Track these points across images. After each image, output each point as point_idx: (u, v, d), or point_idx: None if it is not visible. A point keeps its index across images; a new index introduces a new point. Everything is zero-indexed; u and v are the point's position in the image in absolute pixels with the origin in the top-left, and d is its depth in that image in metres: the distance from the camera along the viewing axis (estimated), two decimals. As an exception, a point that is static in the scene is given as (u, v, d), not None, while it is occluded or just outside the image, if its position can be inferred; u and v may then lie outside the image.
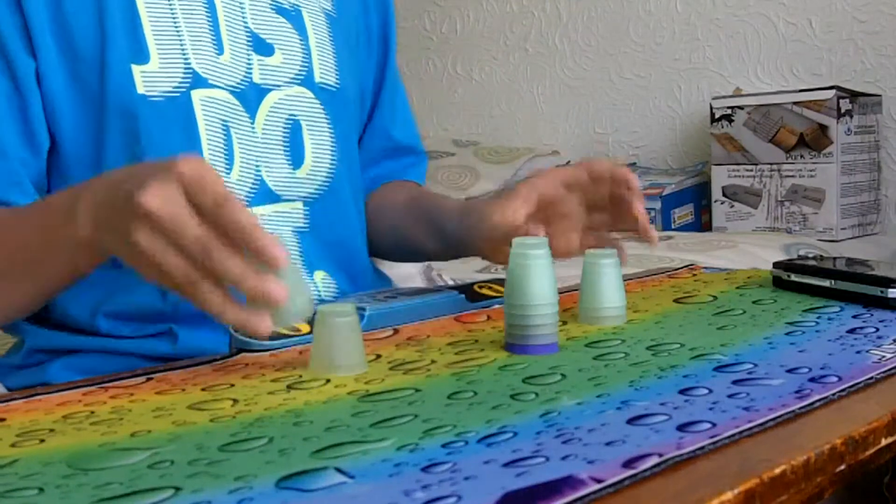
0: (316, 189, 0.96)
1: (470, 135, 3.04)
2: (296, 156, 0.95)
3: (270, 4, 0.96)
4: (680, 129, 2.68)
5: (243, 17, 0.93)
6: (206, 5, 0.91)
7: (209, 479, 0.47)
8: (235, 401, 0.62)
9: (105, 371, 0.78)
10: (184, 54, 0.88)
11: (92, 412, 0.60)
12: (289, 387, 0.65)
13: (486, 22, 3.03)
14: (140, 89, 0.85)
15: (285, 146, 0.94)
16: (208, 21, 0.90)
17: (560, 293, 1.00)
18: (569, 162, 2.80)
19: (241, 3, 0.93)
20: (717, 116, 2.34)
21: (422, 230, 1.04)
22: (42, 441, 0.54)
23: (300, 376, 0.67)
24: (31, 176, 0.86)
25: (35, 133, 0.85)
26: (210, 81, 0.89)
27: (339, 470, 0.48)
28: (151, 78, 0.86)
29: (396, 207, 1.08)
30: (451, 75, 3.11)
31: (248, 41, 0.93)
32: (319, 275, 0.96)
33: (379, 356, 0.73)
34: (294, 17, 0.97)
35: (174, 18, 0.88)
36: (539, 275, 0.74)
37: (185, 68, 0.88)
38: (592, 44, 2.83)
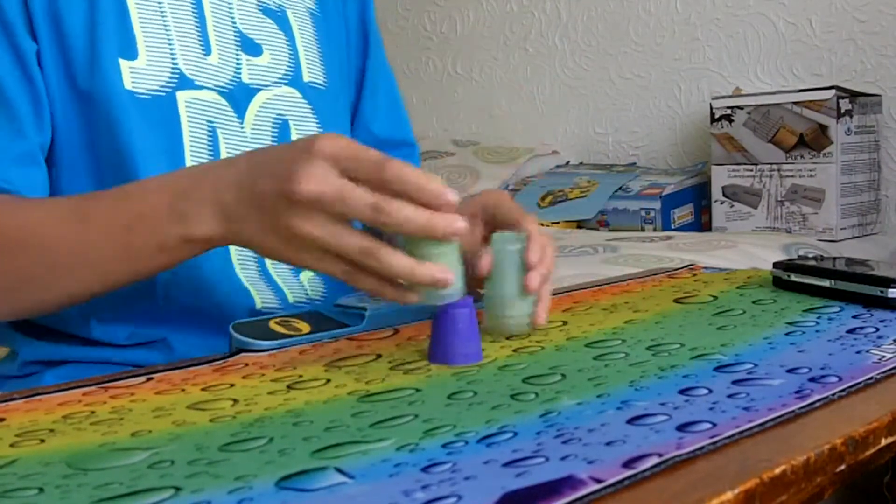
0: None
1: (470, 135, 3.04)
2: None
3: (257, 5, 0.96)
4: (680, 129, 2.68)
5: (231, 18, 0.93)
6: (194, 5, 0.91)
7: (209, 479, 0.47)
8: (235, 401, 0.62)
9: None
10: (171, 54, 0.88)
11: (92, 412, 0.60)
12: (289, 387, 0.65)
13: (486, 22, 3.03)
14: (127, 85, 0.85)
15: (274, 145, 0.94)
16: (196, 21, 0.90)
17: (556, 293, 1.01)
18: (568, 162, 2.80)
19: (228, 4, 0.93)
20: (717, 116, 2.34)
21: None
22: (42, 441, 0.54)
23: (300, 376, 0.67)
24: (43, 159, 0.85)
25: (44, 118, 0.84)
26: (197, 82, 0.89)
27: (338, 470, 0.48)
28: (139, 74, 0.86)
29: None
30: (451, 75, 3.11)
31: (237, 41, 0.93)
32: (306, 276, 0.95)
33: (379, 356, 0.73)
34: (280, 18, 0.97)
35: (163, 17, 0.88)
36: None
37: (172, 68, 0.88)
38: (592, 44, 2.83)
